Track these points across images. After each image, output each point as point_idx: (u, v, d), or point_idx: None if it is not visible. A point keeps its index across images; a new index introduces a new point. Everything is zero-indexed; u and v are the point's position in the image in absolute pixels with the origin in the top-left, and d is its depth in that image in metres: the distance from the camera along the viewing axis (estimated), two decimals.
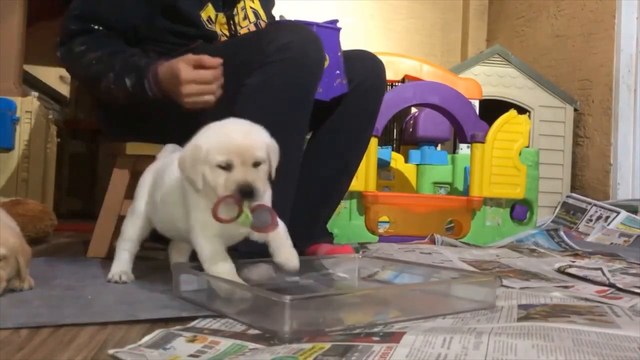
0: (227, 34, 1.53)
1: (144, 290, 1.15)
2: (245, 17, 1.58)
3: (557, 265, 1.52)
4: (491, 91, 3.08)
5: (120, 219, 1.43)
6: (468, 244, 2.06)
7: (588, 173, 3.16)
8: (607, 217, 2.66)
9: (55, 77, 3.63)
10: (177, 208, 1.13)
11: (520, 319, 0.92)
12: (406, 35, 3.96)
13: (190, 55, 1.31)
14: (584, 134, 3.20)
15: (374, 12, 3.92)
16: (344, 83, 1.49)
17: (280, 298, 0.82)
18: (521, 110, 2.83)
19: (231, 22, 1.53)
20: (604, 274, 1.36)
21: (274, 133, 1.08)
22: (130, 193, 1.39)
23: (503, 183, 2.26)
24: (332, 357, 0.69)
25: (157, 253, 1.61)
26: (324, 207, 1.61)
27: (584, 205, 2.82)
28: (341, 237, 2.11)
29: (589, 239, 2.49)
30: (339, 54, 1.48)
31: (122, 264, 1.25)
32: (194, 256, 1.13)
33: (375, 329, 0.85)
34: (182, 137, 1.11)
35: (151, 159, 1.35)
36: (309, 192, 1.53)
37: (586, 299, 1.11)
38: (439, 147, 2.83)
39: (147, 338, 0.80)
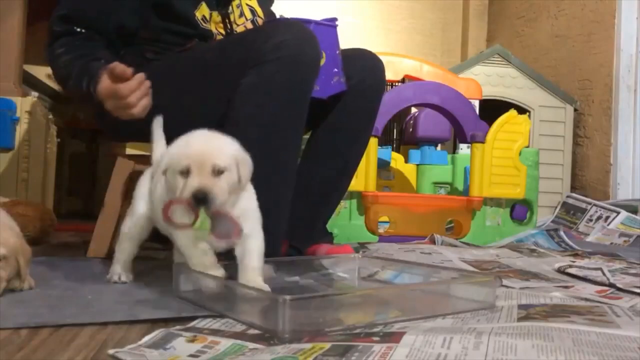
0: (223, 32, 1.52)
1: (144, 290, 1.15)
2: (241, 14, 1.56)
3: (557, 265, 1.52)
4: (491, 91, 3.08)
5: (120, 219, 1.43)
6: (468, 244, 2.06)
7: (588, 173, 3.16)
8: (607, 217, 2.66)
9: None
10: None
11: (520, 319, 0.92)
12: (406, 35, 3.96)
13: (111, 64, 1.27)
14: (584, 134, 3.20)
15: (374, 12, 3.92)
16: (342, 81, 1.47)
17: (280, 298, 0.82)
18: (521, 110, 2.84)
19: (226, 20, 1.52)
20: (604, 274, 1.36)
21: (271, 132, 1.08)
22: (129, 193, 1.39)
23: (503, 183, 2.26)
24: (332, 357, 0.69)
25: (157, 253, 1.61)
26: (323, 207, 1.61)
27: (584, 205, 2.82)
28: (341, 237, 2.11)
29: (589, 239, 2.50)
30: (337, 51, 1.46)
31: (122, 264, 1.25)
32: None
33: (375, 329, 0.85)
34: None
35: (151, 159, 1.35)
36: (308, 192, 1.52)
37: (586, 299, 1.11)
38: (439, 147, 2.83)
39: (147, 338, 0.80)
